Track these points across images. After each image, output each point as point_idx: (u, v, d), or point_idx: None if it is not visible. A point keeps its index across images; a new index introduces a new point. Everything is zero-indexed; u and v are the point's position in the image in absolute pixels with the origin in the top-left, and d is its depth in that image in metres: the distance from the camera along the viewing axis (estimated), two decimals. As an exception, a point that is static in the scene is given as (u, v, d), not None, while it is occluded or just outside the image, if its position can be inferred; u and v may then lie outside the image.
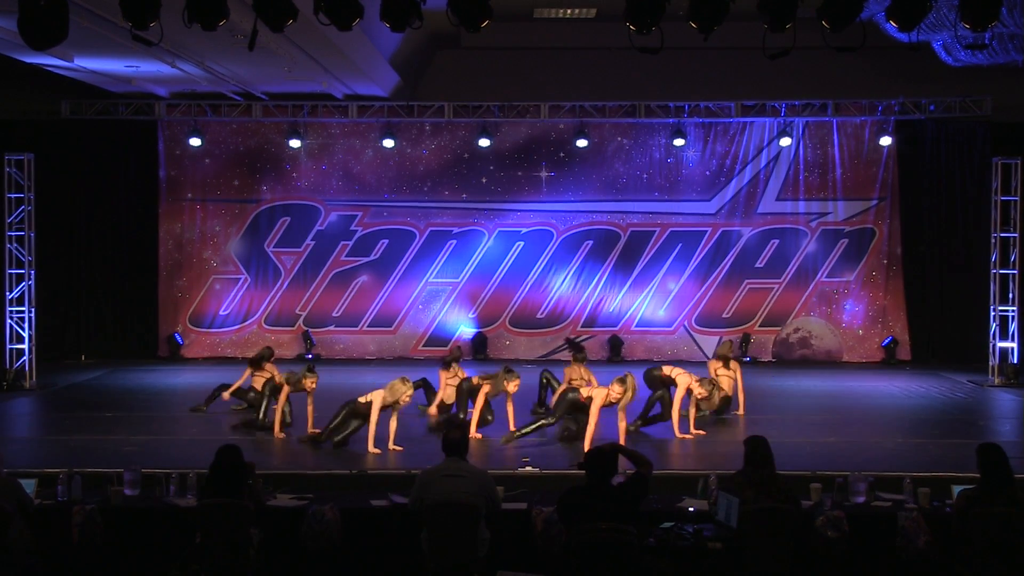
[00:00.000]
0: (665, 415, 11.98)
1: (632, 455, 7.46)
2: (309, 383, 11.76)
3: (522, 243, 19.01)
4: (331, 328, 19.09)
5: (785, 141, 18.40)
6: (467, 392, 12.09)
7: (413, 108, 18.54)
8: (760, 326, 18.91)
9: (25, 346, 16.18)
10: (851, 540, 7.86)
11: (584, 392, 11.16)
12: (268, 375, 12.82)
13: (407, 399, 10.99)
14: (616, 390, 10.76)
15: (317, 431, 11.34)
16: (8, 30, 11.45)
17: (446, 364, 13.02)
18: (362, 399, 11.03)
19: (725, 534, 7.67)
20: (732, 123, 18.66)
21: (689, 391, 11.87)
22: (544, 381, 13.34)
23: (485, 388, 11.78)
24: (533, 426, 11.44)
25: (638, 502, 7.18)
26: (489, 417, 12.00)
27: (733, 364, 13.26)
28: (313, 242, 19.02)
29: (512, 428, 11.67)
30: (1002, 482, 7.17)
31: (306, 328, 18.96)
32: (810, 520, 7.87)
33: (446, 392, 12.81)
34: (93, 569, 8.15)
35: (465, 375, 12.69)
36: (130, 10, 8.43)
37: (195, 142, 18.35)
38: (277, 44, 13.19)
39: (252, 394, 12.93)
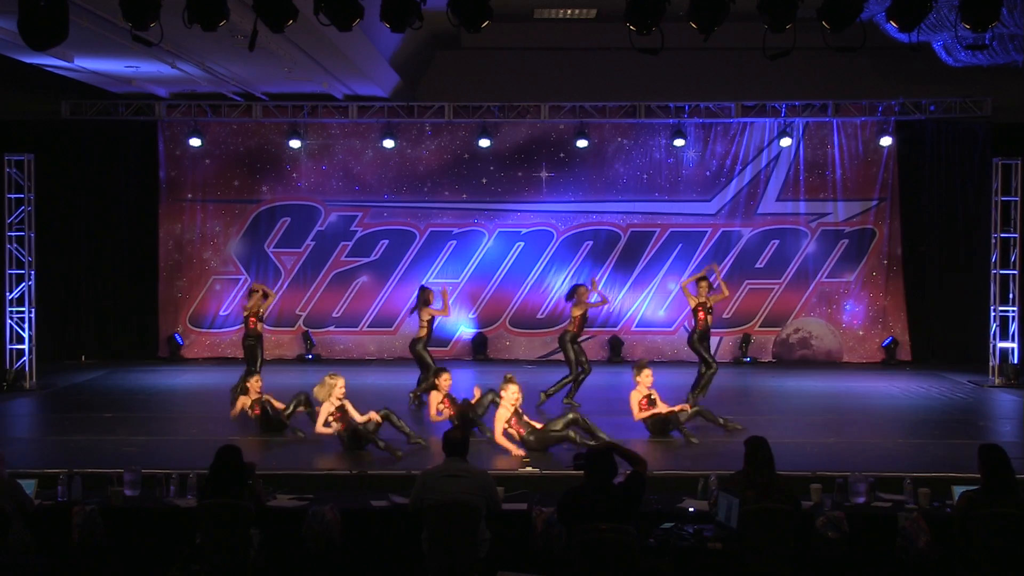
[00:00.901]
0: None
1: (626, 454, 7.44)
2: (254, 383, 12.06)
3: (522, 243, 19.01)
4: (331, 329, 19.09)
5: (785, 141, 18.40)
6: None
7: (413, 109, 18.54)
8: (760, 327, 18.91)
9: (25, 346, 16.19)
10: (851, 541, 7.85)
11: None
12: (254, 317, 13.61)
13: (340, 392, 11.08)
14: (511, 392, 10.93)
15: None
16: (8, 30, 11.46)
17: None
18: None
19: (725, 535, 7.67)
20: (732, 123, 18.66)
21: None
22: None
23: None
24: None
25: (638, 502, 7.17)
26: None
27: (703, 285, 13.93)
28: (313, 242, 19.02)
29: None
30: (1003, 483, 7.17)
31: (306, 328, 18.96)
32: (810, 521, 7.87)
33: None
34: (93, 570, 8.15)
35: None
36: (130, 10, 8.44)
37: (195, 142, 18.36)
38: (277, 44, 13.20)
39: (249, 341, 13.65)
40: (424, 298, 14.15)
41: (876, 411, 13.95)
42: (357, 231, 19.02)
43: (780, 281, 18.88)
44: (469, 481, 7.44)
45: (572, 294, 14.07)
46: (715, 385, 13.82)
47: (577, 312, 13.90)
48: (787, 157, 18.76)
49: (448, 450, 7.64)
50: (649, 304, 18.97)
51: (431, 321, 14.10)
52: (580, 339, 14.02)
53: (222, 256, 19.02)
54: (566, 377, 13.83)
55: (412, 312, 14.43)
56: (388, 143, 18.33)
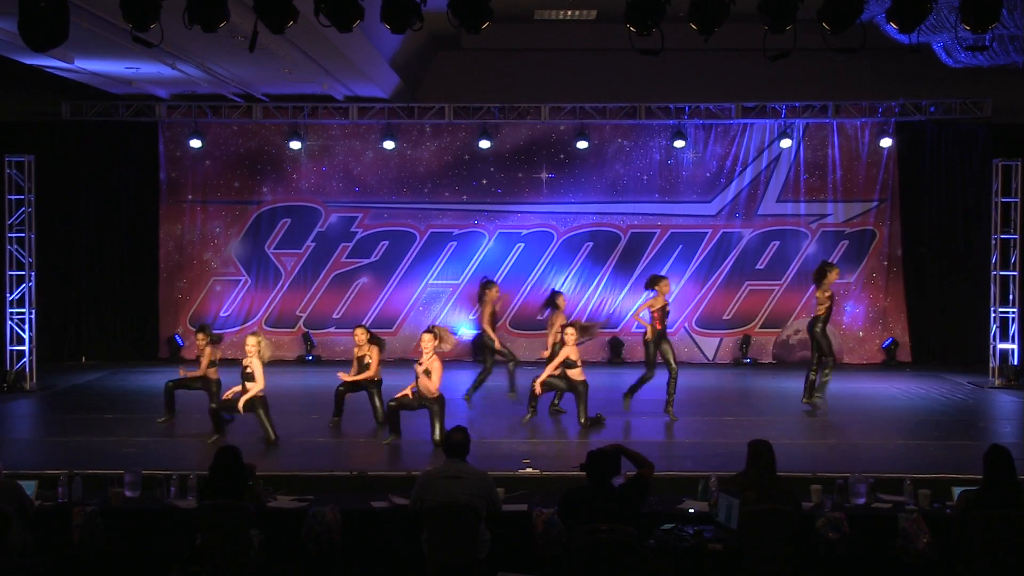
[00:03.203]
0: None
1: (634, 457, 7.45)
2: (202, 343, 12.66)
3: (522, 245, 19.01)
4: (331, 330, 19.07)
5: (785, 143, 18.38)
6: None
7: (413, 110, 18.54)
8: (760, 327, 18.90)
9: (25, 347, 16.18)
10: (851, 541, 7.86)
11: None
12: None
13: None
14: (430, 345, 11.37)
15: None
16: (8, 31, 11.46)
17: None
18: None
19: (725, 535, 7.68)
20: (732, 124, 18.66)
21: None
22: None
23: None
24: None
25: (639, 504, 7.17)
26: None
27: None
28: (313, 243, 19.02)
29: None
30: (1004, 484, 7.17)
31: (306, 329, 18.96)
32: (810, 521, 7.87)
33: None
34: (93, 571, 8.16)
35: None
36: (130, 12, 8.44)
37: (195, 143, 18.35)
38: (277, 46, 13.21)
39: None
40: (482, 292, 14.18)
41: (876, 412, 13.94)
42: (357, 232, 19.02)
43: (780, 282, 18.88)
44: (469, 482, 7.44)
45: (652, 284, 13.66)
46: (715, 386, 13.81)
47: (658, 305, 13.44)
48: (787, 158, 18.75)
49: (449, 451, 7.64)
50: (649, 305, 18.92)
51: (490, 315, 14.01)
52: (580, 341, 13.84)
53: (222, 257, 19.02)
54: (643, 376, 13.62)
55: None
56: (388, 144, 18.33)
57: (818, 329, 13.47)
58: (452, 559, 7.30)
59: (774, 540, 7.25)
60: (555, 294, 13.81)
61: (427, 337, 11.39)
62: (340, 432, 12.39)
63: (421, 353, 11.54)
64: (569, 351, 12.40)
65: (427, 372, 11.32)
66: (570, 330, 12.49)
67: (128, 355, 18.71)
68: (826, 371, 13.62)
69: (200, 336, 12.99)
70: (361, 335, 12.89)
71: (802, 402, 13.56)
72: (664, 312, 13.15)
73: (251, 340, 11.50)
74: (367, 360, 12.69)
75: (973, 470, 7.56)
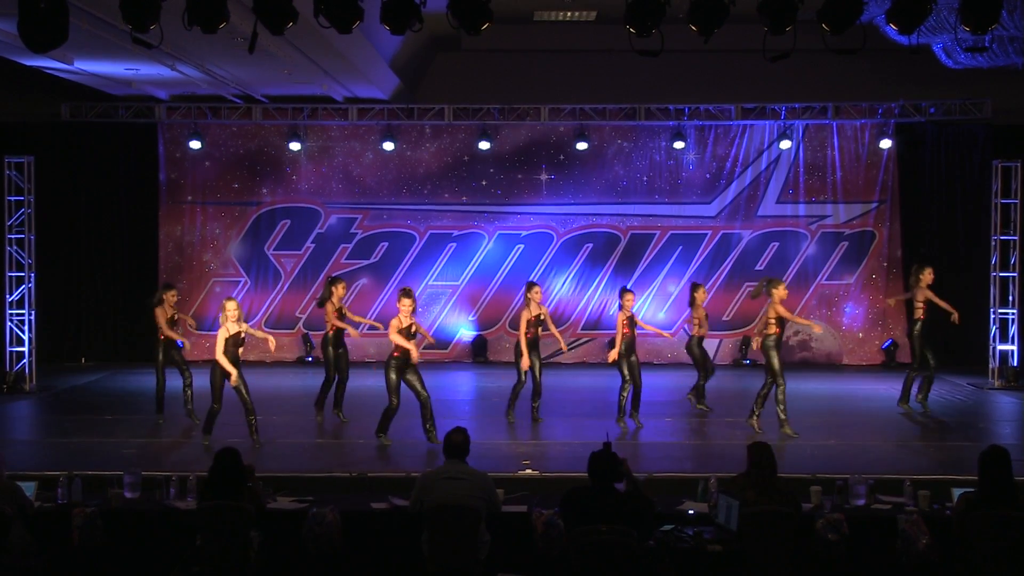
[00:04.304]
0: None
1: (631, 480, 7.35)
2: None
3: (522, 246, 19.01)
4: (331, 331, 19.04)
5: (785, 144, 18.39)
6: None
7: (413, 111, 18.55)
8: (760, 329, 18.87)
9: (25, 349, 16.19)
10: (851, 543, 7.85)
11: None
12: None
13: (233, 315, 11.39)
14: (405, 305, 11.55)
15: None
16: (8, 32, 11.47)
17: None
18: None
19: (725, 536, 7.67)
20: (732, 126, 18.66)
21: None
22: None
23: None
24: None
25: (643, 516, 7.09)
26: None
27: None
28: (313, 245, 19.02)
29: None
30: (1001, 484, 7.16)
31: (306, 331, 18.95)
32: (810, 523, 7.87)
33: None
34: (93, 572, 8.15)
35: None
36: (130, 13, 8.45)
37: (195, 145, 18.34)
38: (277, 47, 13.21)
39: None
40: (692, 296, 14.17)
41: (876, 413, 13.96)
42: (357, 233, 19.02)
43: (780, 283, 18.83)
44: (469, 483, 7.44)
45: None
46: (715, 387, 13.81)
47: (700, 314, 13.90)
48: (787, 159, 18.75)
49: (448, 452, 7.64)
50: (649, 306, 18.94)
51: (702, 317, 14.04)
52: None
53: (222, 258, 19.02)
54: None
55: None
56: (388, 145, 18.32)
57: (916, 332, 13.64)
58: (452, 560, 7.30)
59: (774, 542, 7.24)
60: (624, 290, 13.60)
61: (408, 302, 11.62)
62: (340, 433, 12.38)
63: (408, 315, 11.64)
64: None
65: (417, 332, 11.71)
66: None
67: (128, 356, 18.68)
68: (912, 375, 13.79)
69: (172, 293, 13.43)
70: (341, 289, 13.20)
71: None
72: (781, 317, 12.69)
73: (232, 304, 11.41)
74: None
75: (973, 471, 7.54)
